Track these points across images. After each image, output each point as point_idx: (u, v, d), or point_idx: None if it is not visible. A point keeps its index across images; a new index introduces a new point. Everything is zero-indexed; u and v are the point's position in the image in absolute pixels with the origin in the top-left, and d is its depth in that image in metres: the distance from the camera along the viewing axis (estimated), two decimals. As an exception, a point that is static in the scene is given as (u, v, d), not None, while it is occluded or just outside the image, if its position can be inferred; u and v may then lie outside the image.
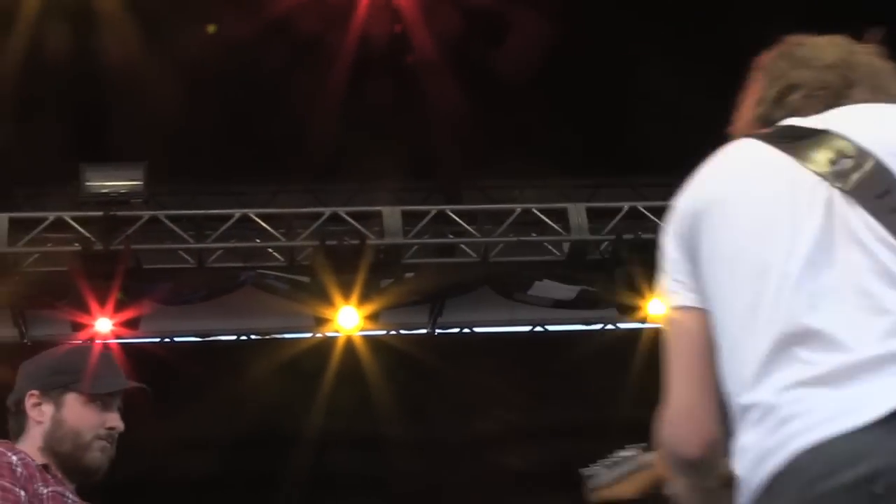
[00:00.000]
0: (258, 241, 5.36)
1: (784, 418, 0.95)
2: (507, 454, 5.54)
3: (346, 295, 5.05)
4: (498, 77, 5.06)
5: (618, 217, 5.43)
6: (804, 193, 1.08)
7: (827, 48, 1.27)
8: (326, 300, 5.14)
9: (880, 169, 1.07)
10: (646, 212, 5.35)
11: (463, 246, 5.51)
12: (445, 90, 5.07)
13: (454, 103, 5.04)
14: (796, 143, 1.15)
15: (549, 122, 5.21)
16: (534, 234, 5.53)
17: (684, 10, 5.15)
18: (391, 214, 5.27)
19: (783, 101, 1.25)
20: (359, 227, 5.22)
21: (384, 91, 5.23)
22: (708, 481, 1.18)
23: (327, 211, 5.36)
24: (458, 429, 5.82)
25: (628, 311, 5.52)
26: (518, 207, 5.44)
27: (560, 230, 5.43)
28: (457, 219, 5.42)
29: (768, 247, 1.06)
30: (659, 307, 4.75)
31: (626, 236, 5.28)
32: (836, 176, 1.06)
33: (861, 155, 1.07)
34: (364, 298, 5.10)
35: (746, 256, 1.08)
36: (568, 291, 5.50)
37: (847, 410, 0.92)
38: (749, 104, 1.30)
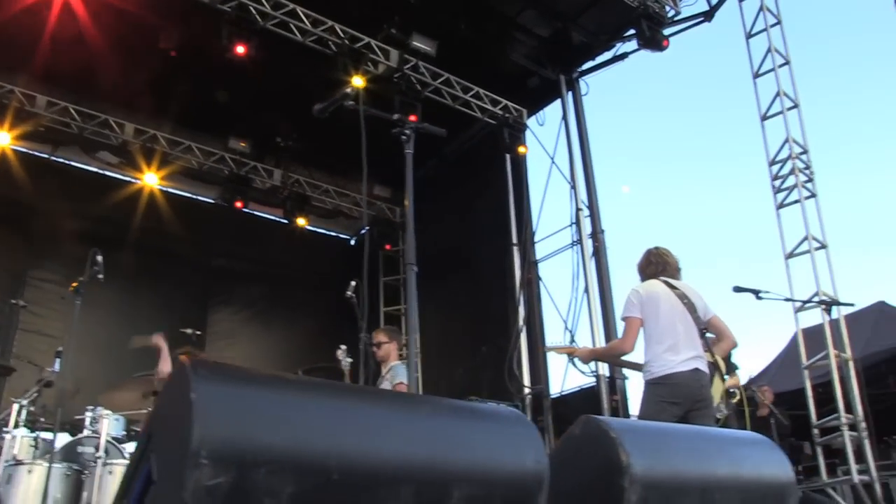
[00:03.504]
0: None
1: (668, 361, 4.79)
2: None
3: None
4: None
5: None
6: (676, 300, 5.01)
7: (658, 257, 5.27)
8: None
9: (676, 297, 5.00)
10: None
11: None
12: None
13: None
14: (670, 287, 5.05)
15: None
16: None
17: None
18: None
19: (650, 270, 5.25)
20: None
21: None
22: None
23: None
24: None
25: None
26: None
27: None
28: None
29: (671, 313, 4.94)
30: None
31: None
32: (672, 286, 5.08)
33: (680, 292, 5.15)
34: None
35: (663, 316, 4.93)
36: None
37: (680, 366, 4.78)
38: (641, 273, 5.28)
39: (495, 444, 1.48)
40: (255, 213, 12.93)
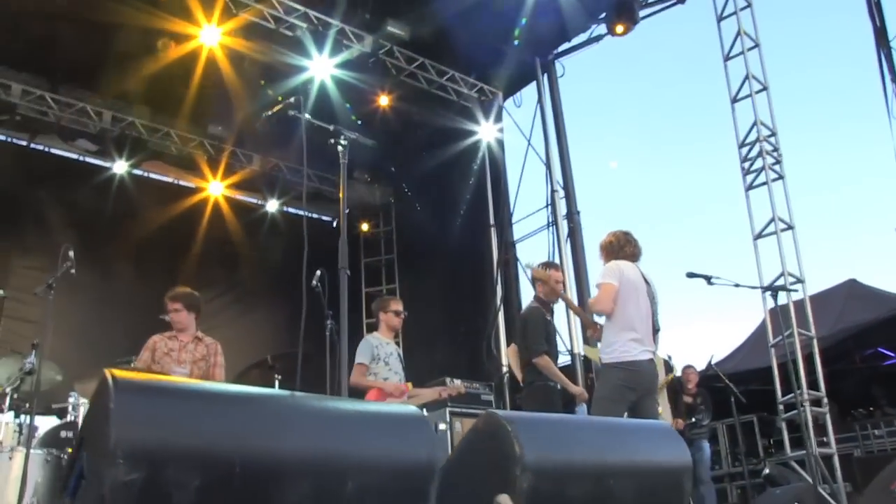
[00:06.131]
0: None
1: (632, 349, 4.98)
2: None
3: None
4: None
5: None
6: (646, 289, 5.22)
7: (634, 242, 5.44)
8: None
9: (646, 286, 5.23)
10: None
11: None
12: None
13: None
14: (642, 275, 5.27)
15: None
16: None
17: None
18: None
19: (625, 252, 5.32)
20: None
21: None
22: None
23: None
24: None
25: None
26: None
27: None
28: None
29: (640, 294, 5.15)
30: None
31: None
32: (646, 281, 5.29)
33: (647, 280, 5.29)
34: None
35: (636, 303, 5.09)
36: None
37: (641, 354, 4.99)
38: (611, 254, 5.39)
39: (389, 440, 1.67)
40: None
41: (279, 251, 13.03)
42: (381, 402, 5.59)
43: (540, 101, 12.07)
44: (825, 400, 8.12)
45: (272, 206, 13.03)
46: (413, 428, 1.72)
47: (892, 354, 10.85)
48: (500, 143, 12.45)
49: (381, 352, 6.06)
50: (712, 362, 9.17)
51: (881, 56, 10.96)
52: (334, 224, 14.48)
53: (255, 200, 13.39)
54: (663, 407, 6.92)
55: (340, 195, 3.82)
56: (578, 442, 2.02)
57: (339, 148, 3.68)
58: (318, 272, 5.52)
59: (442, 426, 6.87)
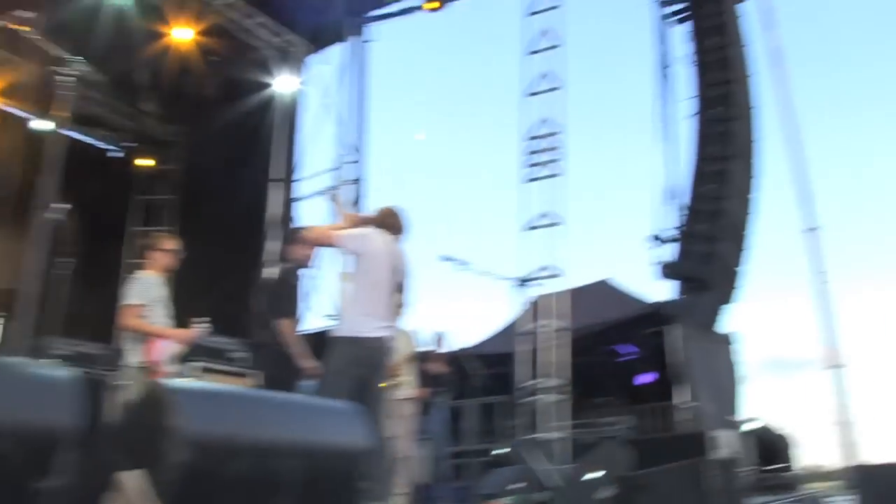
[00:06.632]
0: None
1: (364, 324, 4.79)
2: None
3: None
4: None
5: None
6: (389, 263, 4.96)
7: (399, 217, 5.18)
8: None
9: (391, 261, 4.99)
10: None
11: None
12: None
13: None
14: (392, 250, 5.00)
15: None
16: None
17: None
18: None
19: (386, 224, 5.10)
20: None
21: None
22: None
23: None
24: None
25: None
26: None
27: None
28: None
29: (383, 268, 4.92)
30: None
31: None
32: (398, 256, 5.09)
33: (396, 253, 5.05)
34: None
35: (374, 275, 4.86)
36: None
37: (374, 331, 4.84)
38: (375, 223, 5.10)
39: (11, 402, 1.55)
40: None
41: (45, 174, 11.99)
42: (162, 349, 5.24)
43: (347, 61, 11.96)
44: (565, 387, 8.71)
45: (40, 123, 11.88)
46: (48, 390, 1.61)
47: (624, 351, 11.94)
48: (299, 98, 12.20)
49: (154, 293, 5.62)
50: (467, 343, 9.53)
51: (659, 78, 11.90)
52: (110, 154, 13.49)
53: (23, 114, 12.16)
54: (410, 377, 7.08)
55: (63, 114, 3.55)
56: (247, 418, 1.98)
57: (63, 78, 3.42)
58: (57, 205, 5.12)
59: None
